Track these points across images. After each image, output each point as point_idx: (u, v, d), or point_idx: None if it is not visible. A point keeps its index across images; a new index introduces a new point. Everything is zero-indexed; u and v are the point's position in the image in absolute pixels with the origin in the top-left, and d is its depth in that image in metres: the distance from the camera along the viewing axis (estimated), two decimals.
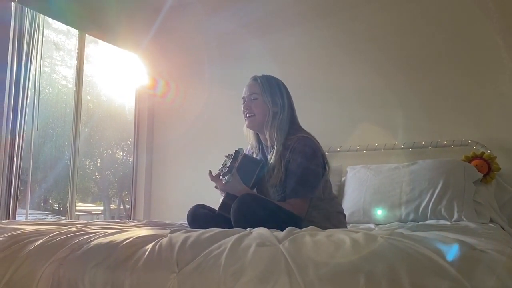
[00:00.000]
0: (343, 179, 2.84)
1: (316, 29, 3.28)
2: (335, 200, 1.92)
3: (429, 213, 2.35)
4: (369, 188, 2.59)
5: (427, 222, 2.30)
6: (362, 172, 2.72)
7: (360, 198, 2.58)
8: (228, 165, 1.82)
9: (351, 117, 3.08)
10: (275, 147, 1.82)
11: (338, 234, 1.10)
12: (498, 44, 2.73)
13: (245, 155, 1.85)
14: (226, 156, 1.89)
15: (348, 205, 2.57)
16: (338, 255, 0.95)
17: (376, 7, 3.12)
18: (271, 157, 1.82)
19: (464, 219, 2.24)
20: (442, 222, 2.25)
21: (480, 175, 2.49)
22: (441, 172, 2.45)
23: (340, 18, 3.21)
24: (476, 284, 0.85)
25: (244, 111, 1.91)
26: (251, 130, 1.98)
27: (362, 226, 2.33)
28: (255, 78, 1.92)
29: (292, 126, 1.87)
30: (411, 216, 2.40)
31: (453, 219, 2.27)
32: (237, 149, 1.85)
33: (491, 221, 2.32)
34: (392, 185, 2.53)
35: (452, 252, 0.94)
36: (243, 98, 1.92)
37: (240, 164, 1.80)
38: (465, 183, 2.39)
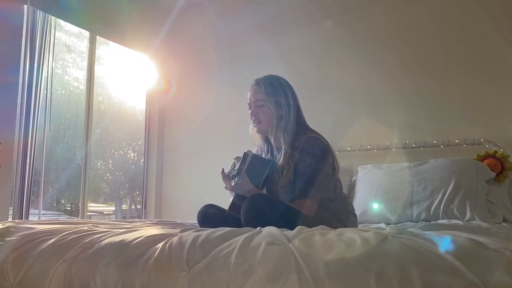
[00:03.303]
0: (353, 178, 2.83)
1: (325, 30, 3.26)
2: (346, 200, 1.91)
3: (441, 213, 2.33)
4: (380, 188, 2.57)
5: (439, 221, 2.28)
6: (373, 172, 2.70)
7: (371, 197, 2.57)
8: (237, 167, 1.82)
9: (361, 117, 3.06)
10: (283, 148, 1.81)
11: (348, 233, 1.09)
12: (509, 42, 2.70)
13: (255, 156, 1.85)
14: (235, 158, 1.89)
15: (359, 204, 2.55)
16: (348, 254, 0.94)
17: (384, 8, 3.09)
18: (280, 159, 1.81)
19: (477, 218, 2.22)
20: (454, 221, 2.23)
21: (493, 174, 2.46)
22: (453, 171, 2.43)
23: (349, 18, 3.19)
24: (488, 283, 0.84)
25: (251, 118, 1.91)
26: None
27: (373, 225, 2.32)
28: (257, 82, 1.89)
29: (299, 126, 1.86)
30: (423, 216, 2.37)
31: (466, 219, 2.25)
32: (246, 152, 1.85)
33: (505, 220, 2.29)
34: (403, 184, 2.51)
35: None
36: (249, 104, 1.91)
37: (249, 165, 1.80)
38: (478, 182, 2.36)
